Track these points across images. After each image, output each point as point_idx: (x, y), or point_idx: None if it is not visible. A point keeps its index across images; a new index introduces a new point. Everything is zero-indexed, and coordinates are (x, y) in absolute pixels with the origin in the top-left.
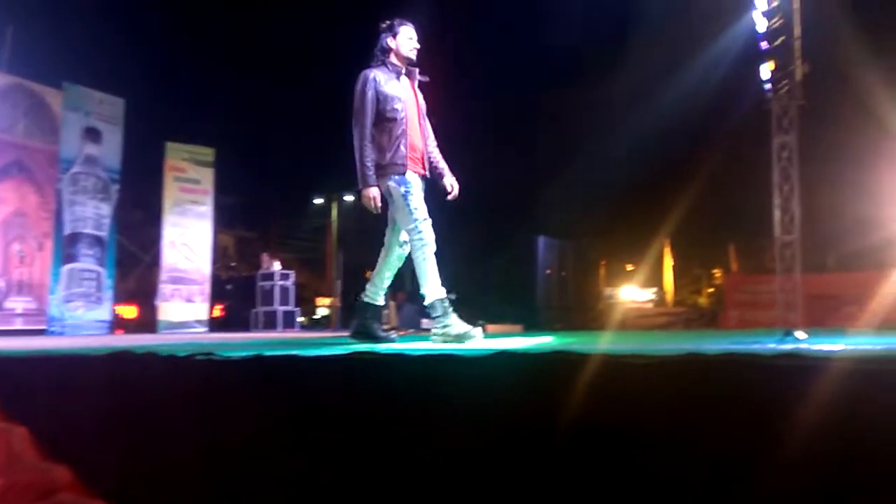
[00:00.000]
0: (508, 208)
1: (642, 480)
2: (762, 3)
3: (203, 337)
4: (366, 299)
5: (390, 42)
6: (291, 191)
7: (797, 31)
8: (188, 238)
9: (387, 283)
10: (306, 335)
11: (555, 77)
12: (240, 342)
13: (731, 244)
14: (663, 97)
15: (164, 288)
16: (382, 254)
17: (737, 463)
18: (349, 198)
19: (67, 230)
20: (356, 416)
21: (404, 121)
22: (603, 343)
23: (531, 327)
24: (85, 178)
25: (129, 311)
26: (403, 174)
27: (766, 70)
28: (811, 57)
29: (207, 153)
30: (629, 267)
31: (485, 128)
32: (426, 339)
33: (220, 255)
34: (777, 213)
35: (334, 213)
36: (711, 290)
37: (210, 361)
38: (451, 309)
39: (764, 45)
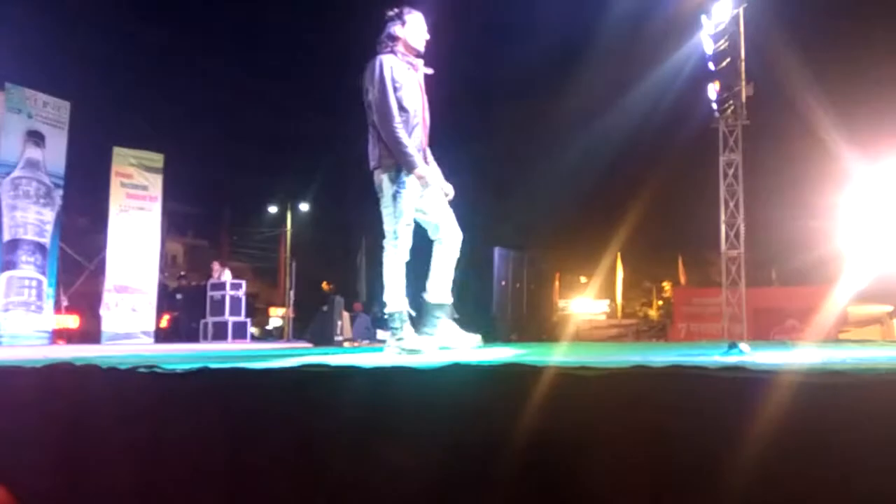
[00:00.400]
0: (464, 219)
1: (590, 493)
2: (709, 25)
3: (148, 349)
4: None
5: (398, 30)
6: (245, 198)
7: (742, 52)
8: (135, 246)
9: (433, 275)
10: (257, 346)
11: (510, 91)
12: (186, 354)
13: (680, 258)
14: (615, 114)
15: (109, 297)
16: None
17: (681, 474)
18: (304, 206)
19: (7, 236)
20: (304, 432)
21: (418, 113)
22: (555, 355)
23: (486, 338)
24: (27, 182)
25: (72, 321)
26: (410, 171)
27: (712, 90)
28: (756, 78)
29: (156, 159)
30: (583, 279)
31: (440, 138)
32: (382, 350)
33: (168, 264)
34: (723, 229)
35: (289, 221)
36: (661, 302)
37: (153, 375)
38: (407, 322)
39: (711, 66)
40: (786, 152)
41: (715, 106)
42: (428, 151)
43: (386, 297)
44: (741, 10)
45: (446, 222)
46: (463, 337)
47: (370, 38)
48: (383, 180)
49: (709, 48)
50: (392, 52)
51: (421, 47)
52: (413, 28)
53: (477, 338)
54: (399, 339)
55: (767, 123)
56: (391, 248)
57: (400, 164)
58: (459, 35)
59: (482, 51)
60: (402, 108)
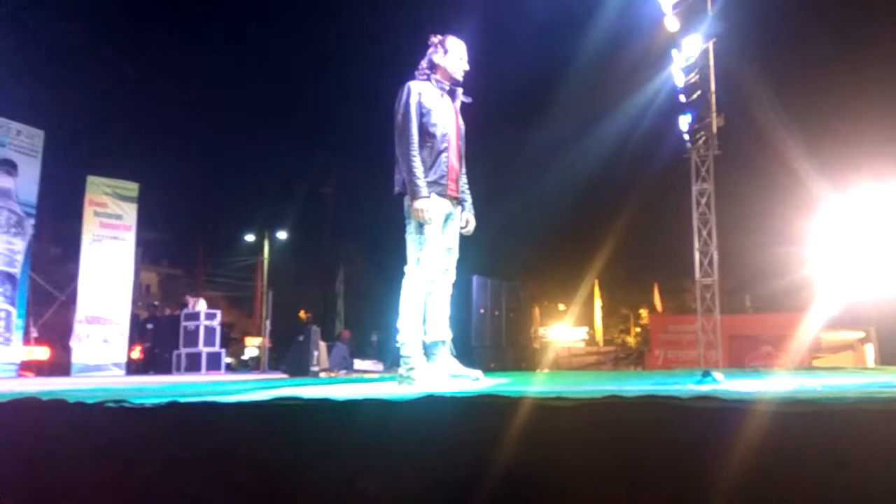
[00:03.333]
0: None
1: None
2: (680, 59)
3: (119, 381)
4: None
5: (439, 58)
6: (221, 227)
7: (713, 85)
8: (108, 276)
9: (439, 315)
10: (231, 378)
11: (486, 122)
12: (157, 387)
13: (656, 285)
14: (590, 145)
15: (80, 328)
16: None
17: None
18: (282, 234)
19: None
20: (276, 466)
21: (446, 138)
22: (532, 385)
23: (465, 366)
24: None
25: (42, 353)
26: (438, 195)
27: (684, 122)
28: (727, 109)
29: (131, 188)
30: (561, 306)
31: None
32: (359, 380)
33: (142, 294)
34: (697, 257)
35: (266, 250)
36: (638, 329)
37: (121, 409)
38: (420, 352)
39: (682, 98)
40: (757, 181)
41: (687, 137)
42: (463, 180)
43: (400, 325)
44: (711, 44)
45: (449, 262)
46: (464, 372)
47: (346, 66)
48: (414, 205)
49: (680, 81)
50: (427, 78)
51: (460, 76)
52: (453, 56)
53: (478, 373)
54: (410, 370)
55: (738, 153)
56: (412, 276)
57: (408, 190)
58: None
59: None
60: (428, 134)
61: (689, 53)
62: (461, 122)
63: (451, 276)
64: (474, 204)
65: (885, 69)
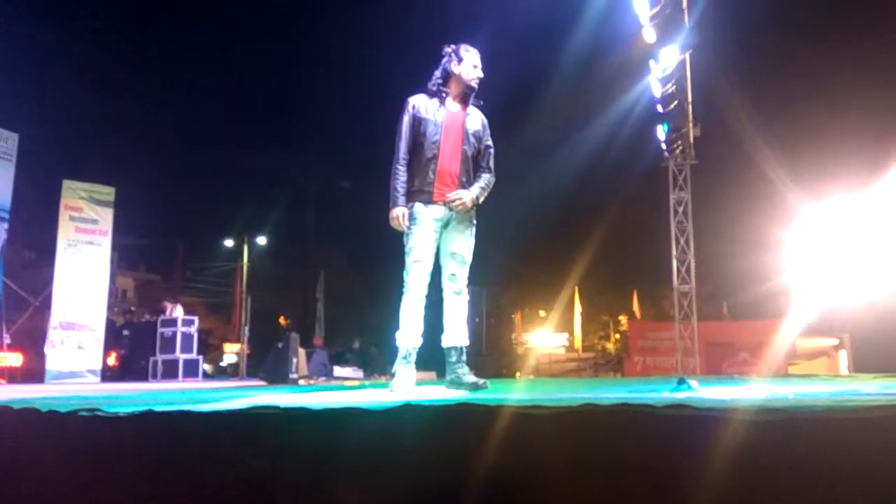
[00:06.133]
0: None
1: None
2: (657, 70)
3: (94, 389)
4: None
5: (454, 67)
6: (200, 231)
7: (689, 95)
8: (83, 281)
9: (453, 322)
10: (208, 385)
11: None
12: (132, 395)
13: (635, 292)
14: (569, 154)
15: (55, 334)
16: None
17: None
18: (262, 240)
19: None
20: (252, 476)
21: (437, 145)
22: (510, 392)
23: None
24: None
25: (15, 359)
26: (425, 203)
27: (661, 131)
28: (703, 119)
29: (108, 192)
30: (542, 313)
31: None
32: (339, 388)
33: (118, 299)
34: (675, 264)
35: (245, 255)
36: (618, 336)
37: (95, 418)
38: (403, 362)
39: (659, 108)
40: (733, 190)
41: (664, 146)
42: (481, 174)
43: (397, 335)
44: (687, 56)
45: (454, 268)
46: (470, 381)
47: (329, 71)
48: (405, 213)
49: (657, 91)
50: (434, 89)
51: (475, 84)
52: (467, 66)
53: (485, 383)
54: (392, 376)
55: (715, 162)
56: (404, 286)
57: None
58: (414, 73)
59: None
60: (417, 144)
61: (666, 64)
62: (471, 125)
63: (459, 281)
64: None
65: (860, 79)
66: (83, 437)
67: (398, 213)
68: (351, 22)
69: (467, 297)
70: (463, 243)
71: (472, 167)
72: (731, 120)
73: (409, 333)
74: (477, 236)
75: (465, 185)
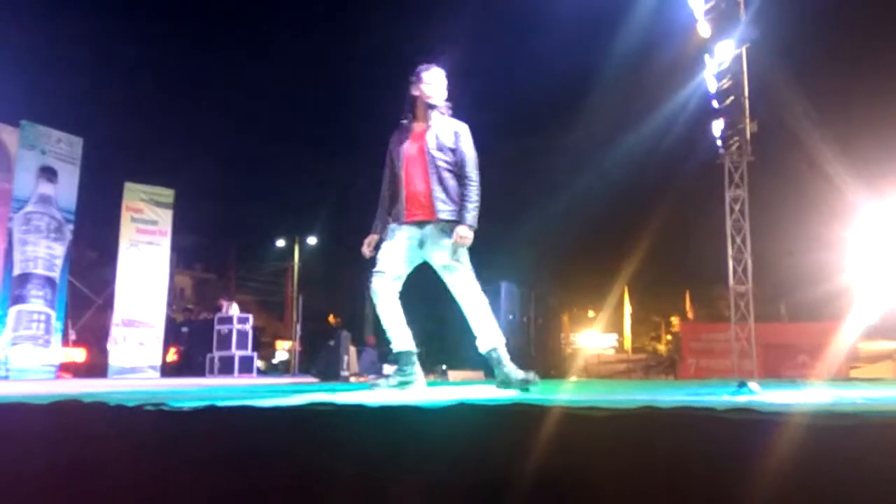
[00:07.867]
0: (471, 253)
1: None
2: (713, 64)
3: (155, 384)
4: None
5: (414, 91)
6: (253, 232)
7: (746, 90)
8: (143, 280)
9: (475, 327)
10: (263, 382)
11: (516, 126)
12: (193, 390)
13: (688, 293)
14: (621, 150)
15: (117, 331)
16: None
17: None
18: (312, 240)
19: (17, 270)
20: (311, 471)
21: (402, 169)
22: (563, 393)
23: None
24: (39, 217)
25: (79, 355)
26: (399, 223)
27: (717, 127)
28: (760, 115)
29: (167, 194)
30: (591, 313)
31: None
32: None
33: (177, 297)
34: (730, 264)
35: (296, 254)
36: (670, 337)
37: (160, 412)
38: (405, 363)
39: (715, 104)
40: (792, 187)
41: (720, 143)
42: (467, 193)
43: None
44: (744, 50)
45: (450, 279)
46: (519, 378)
47: (376, 78)
48: None
49: (712, 87)
50: (403, 117)
51: (440, 101)
52: (429, 83)
53: (535, 376)
54: (388, 377)
55: (772, 159)
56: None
57: None
58: (463, 70)
59: (486, 87)
60: (393, 174)
61: (721, 59)
62: (434, 139)
63: (461, 287)
64: (504, 209)
65: None
66: (150, 430)
67: (366, 240)
68: (406, 27)
69: (483, 298)
70: (444, 254)
71: (456, 177)
72: (788, 116)
73: (391, 338)
74: (523, 235)
75: (446, 200)
